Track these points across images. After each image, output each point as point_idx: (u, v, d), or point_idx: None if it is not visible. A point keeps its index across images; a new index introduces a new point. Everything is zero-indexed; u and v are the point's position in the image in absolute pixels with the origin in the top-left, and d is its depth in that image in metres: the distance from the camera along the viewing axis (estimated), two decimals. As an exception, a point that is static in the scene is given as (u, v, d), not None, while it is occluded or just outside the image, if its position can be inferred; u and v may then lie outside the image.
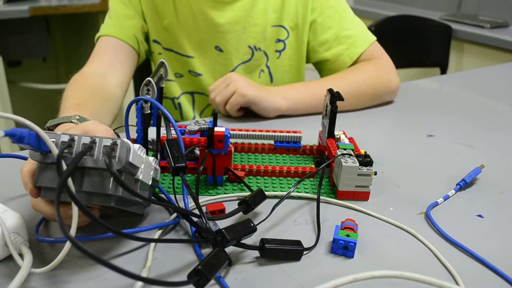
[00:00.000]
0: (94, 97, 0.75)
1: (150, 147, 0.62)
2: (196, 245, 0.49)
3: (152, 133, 0.61)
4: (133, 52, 0.92)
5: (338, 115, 0.67)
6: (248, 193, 0.60)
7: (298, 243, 0.49)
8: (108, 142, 0.41)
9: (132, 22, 0.93)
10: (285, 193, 0.58)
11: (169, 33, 0.96)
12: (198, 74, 0.99)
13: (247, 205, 0.53)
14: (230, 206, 0.57)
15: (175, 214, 0.54)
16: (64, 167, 0.39)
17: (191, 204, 0.55)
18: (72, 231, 0.40)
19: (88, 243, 0.48)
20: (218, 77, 0.97)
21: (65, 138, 0.41)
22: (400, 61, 1.26)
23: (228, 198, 0.59)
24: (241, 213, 0.53)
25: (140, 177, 0.45)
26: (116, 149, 0.41)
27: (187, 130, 0.66)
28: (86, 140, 0.41)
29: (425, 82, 1.20)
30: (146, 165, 0.46)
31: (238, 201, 0.53)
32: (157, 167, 0.51)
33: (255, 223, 0.48)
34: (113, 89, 0.83)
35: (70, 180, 0.40)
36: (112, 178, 0.41)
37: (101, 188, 0.41)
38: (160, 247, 0.49)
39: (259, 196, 0.54)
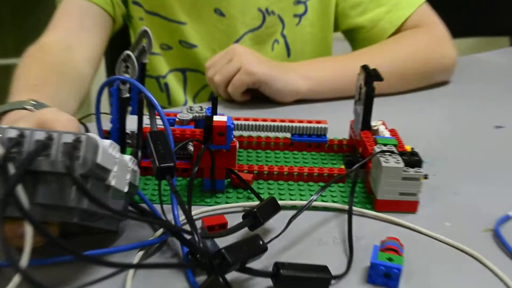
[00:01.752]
0: (55, 76, 0.75)
1: (129, 141, 0.61)
2: (189, 271, 0.48)
3: (131, 123, 0.61)
4: (106, 16, 0.92)
5: (376, 100, 0.66)
6: (256, 203, 0.59)
7: (324, 269, 0.48)
8: (69, 138, 0.41)
9: None
10: (305, 202, 0.58)
11: None
12: (192, 46, 0.99)
13: (254, 218, 0.52)
14: (234, 220, 0.56)
15: (161, 230, 0.53)
16: (12, 171, 0.39)
17: (183, 216, 0.55)
18: (24, 259, 0.39)
19: (46, 268, 0.48)
20: (218, 50, 0.96)
21: (13, 134, 0.41)
22: (457, 29, 1.24)
23: (231, 209, 0.59)
24: (246, 229, 0.53)
25: (112, 183, 0.45)
26: (79, 147, 0.41)
27: (177, 119, 0.66)
28: (41, 135, 0.41)
29: (491, 56, 1.19)
30: (120, 167, 0.46)
31: (243, 214, 0.53)
32: (136, 168, 0.51)
33: (266, 241, 0.48)
34: (80, 65, 0.83)
35: (20, 188, 0.39)
36: (74, 186, 0.41)
37: (60, 199, 0.41)
38: (141, 273, 0.49)
39: (270, 207, 0.54)
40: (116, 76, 0.55)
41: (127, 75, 0.55)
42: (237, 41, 0.99)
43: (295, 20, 1.00)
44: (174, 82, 1.03)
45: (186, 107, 0.68)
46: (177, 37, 0.99)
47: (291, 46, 1.02)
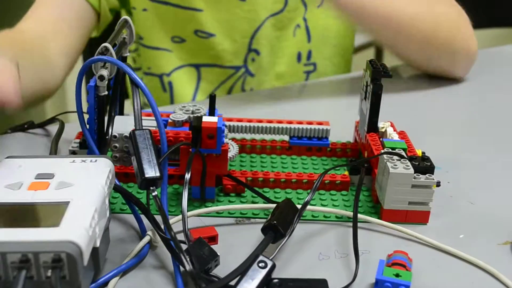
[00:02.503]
0: (20, 49, 0.76)
1: (116, 145, 0.61)
2: (180, 283, 0.49)
3: (119, 124, 0.61)
4: (89, 10, 0.92)
5: (384, 99, 0.66)
6: (245, 205, 0.60)
7: (322, 284, 0.48)
8: (48, 257, 0.40)
9: None
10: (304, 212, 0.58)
11: None
12: (210, 35, 1.00)
13: (274, 231, 0.52)
14: (226, 232, 0.57)
15: (144, 240, 0.53)
16: None
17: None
18: None
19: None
20: (238, 38, 0.99)
21: None
22: (477, 19, 1.24)
23: (223, 220, 0.59)
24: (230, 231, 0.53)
25: (98, 244, 0.46)
26: (63, 265, 0.41)
27: (170, 120, 0.66)
28: (14, 256, 0.40)
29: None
30: (100, 212, 0.46)
31: (262, 227, 0.53)
32: (112, 176, 0.51)
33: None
34: (52, 54, 0.84)
35: None
36: None
37: None
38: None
39: (288, 213, 0.54)
40: (98, 57, 0.55)
41: (105, 71, 0.56)
42: (258, 28, 1.00)
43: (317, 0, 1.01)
44: (182, 80, 1.04)
45: (180, 106, 0.68)
46: (192, 27, 1.00)
47: (311, 31, 1.03)
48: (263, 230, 0.53)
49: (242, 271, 0.46)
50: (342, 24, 1.04)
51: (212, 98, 0.60)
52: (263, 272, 0.46)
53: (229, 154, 0.63)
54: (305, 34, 1.04)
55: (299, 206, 0.57)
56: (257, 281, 0.46)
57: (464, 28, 0.95)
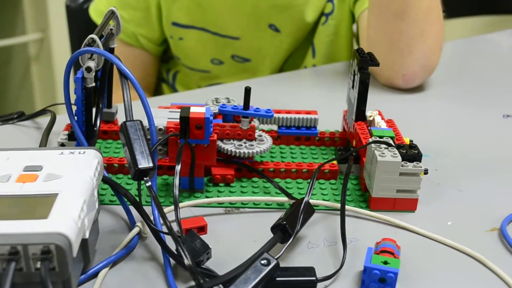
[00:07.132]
0: None
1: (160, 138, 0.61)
2: (170, 274, 0.49)
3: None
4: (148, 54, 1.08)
5: (372, 88, 0.66)
6: (235, 197, 0.60)
7: (309, 271, 0.49)
8: (37, 249, 0.41)
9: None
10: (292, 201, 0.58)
11: (203, 9, 1.01)
12: (245, 60, 1.05)
13: (282, 231, 0.52)
14: (215, 221, 0.57)
15: (134, 231, 0.54)
16: None
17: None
18: None
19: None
20: (269, 63, 1.06)
21: None
22: (465, 7, 1.24)
23: (212, 209, 0.59)
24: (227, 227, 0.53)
25: (87, 235, 0.46)
26: (52, 257, 0.41)
27: None
28: (3, 248, 0.40)
29: (501, 36, 1.19)
30: (88, 204, 0.47)
31: (271, 226, 0.53)
32: (100, 167, 0.51)
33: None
34: None
35: None
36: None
37: None
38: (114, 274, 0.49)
39: (304, 212, 0.54)
40: (85, 48, 0.55)
41: (92, 62, 0.55)
42: (286, 54, 1.07)
43: (322, 19, 1.04)
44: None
45: (212, 99, 0.68)
46: (229, 52, 1.06)
47: (316, 47, 1.07)
48: (272, 229, 0.53)
49: (244, 268, 0.46)
50: (343, 40, 1.07)
51: (247, 91, 0.61)
52: (265, 270, 0.46)
53: (263, 147, 0.64)
54: (311, 51, 1.08)
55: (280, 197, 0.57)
56: (256, 278, 0.46)
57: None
